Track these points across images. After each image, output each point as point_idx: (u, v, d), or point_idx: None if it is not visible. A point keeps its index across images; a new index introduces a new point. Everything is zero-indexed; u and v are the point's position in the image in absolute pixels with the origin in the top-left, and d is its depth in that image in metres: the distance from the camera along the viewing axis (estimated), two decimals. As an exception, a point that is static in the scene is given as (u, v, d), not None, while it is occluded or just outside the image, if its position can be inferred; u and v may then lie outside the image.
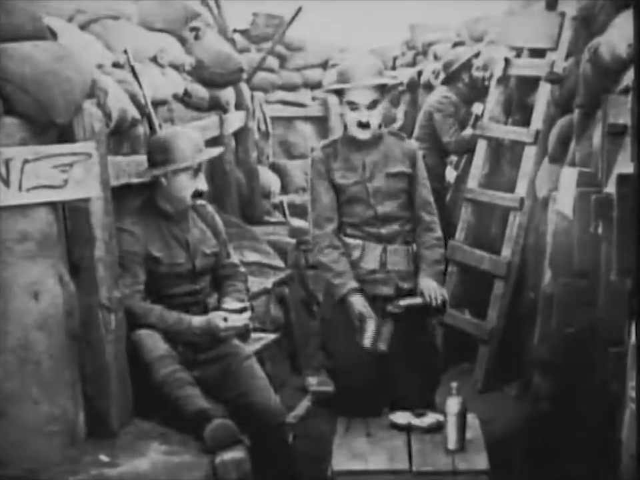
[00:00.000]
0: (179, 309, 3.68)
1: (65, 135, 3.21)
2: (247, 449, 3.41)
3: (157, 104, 4.53)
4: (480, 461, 3.35)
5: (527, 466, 4.19)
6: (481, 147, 5.95)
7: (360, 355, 3.75)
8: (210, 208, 4.00)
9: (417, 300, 3.77)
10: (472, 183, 5.94)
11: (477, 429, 3.62)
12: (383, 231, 3.85)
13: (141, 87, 4.18)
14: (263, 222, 6.98)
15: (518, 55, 5.81)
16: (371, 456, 3.41)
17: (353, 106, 3.78)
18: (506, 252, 5.48)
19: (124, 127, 3.94)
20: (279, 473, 3.66)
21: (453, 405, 3.41)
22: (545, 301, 4.52)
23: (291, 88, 10.41)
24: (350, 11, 11.94)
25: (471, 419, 3.58)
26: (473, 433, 3.52)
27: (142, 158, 3.88)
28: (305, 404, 5.30)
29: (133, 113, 4.00)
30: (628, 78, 3.56)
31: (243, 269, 4.04)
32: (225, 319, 3.63)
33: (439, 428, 3.52)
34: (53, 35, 3.52)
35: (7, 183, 2.97)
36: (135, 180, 3.85)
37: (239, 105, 6.70)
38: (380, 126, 3.88)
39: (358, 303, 3.73)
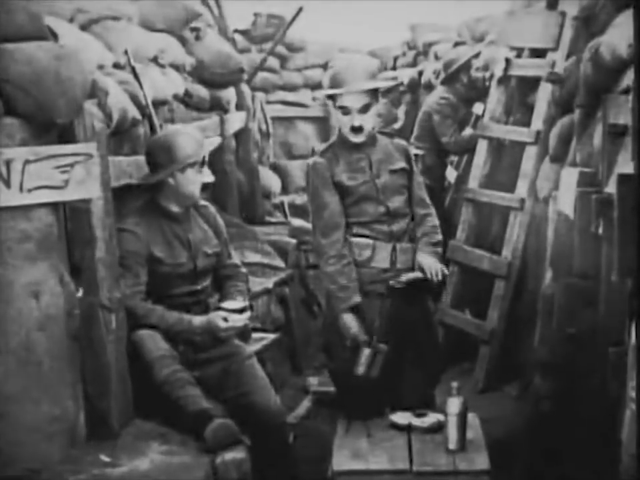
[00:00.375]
0: (180, 308, 3.68)
1: (66, 135, 3.21)
2: (248, 449, 3.41)
3: (157, 104, 4.53)
4: (480, 461, 3.35)
5: (527, 466, 4.19)
6: (482, 147, 5.94)
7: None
8: (212, 208, 4.01)
9: (418, 275, 3.80)
10: (472, 183, 5.94)
11: (478, 428, 3.62)
12: (394, 227, 3.85)
13: (141, 87, 4.18)
14: (263, 222, 6.99)
15: (519, 55, 5.80)
16: (371, 456, 3.41)
17: (345, 110, 3.77)
18: (506, 252, 5.48)
19: (125, 128, 3.94)
20: (279, 473, 3.66)
21: (453, 404, 3.41)
22: (545, 301, 4.51)
23: (292, 88, 10.41)
24: (350, 11, 11.92)
25: (472, 418, 3.59)
26: (473, 433, 3.53)
27: (143, 159, 3.87)
28: (305, 404, 5.30)
29: (134, 113, 4.00)
30: (628, 78, 3.56)
31: (244, 270, 4.04)
32: (226, 319, 3.63)
33: (439, 428, 3.53)
34: (54, 35, 3.52)
35: (7, 183, 2.97)
36: (137, 182, 3.85)
37: (239, 106, 6.71)
38: (373, 128, 3.88)
39: (353, 325, 3.72)
